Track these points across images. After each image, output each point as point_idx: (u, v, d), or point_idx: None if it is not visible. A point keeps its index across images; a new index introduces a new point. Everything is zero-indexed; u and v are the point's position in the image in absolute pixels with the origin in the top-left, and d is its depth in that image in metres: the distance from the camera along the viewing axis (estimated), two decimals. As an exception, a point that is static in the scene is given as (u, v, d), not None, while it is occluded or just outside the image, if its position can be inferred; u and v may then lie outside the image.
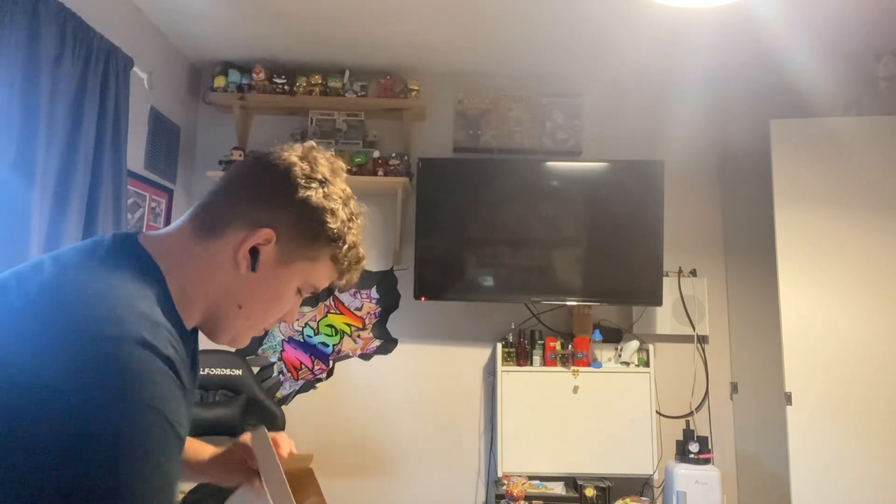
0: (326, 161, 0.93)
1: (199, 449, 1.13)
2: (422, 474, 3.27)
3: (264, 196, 0.89)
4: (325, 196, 0.90)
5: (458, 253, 3.20)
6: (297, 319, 3.37)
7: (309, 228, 0.89)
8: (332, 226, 0.90)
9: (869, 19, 2.73)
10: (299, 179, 0.89)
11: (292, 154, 0.91)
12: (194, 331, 0.91)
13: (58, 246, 2.07)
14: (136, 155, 2.79)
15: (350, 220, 0.93)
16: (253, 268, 0.87)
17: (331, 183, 0.91)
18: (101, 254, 0.81)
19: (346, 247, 0.92)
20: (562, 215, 3.20)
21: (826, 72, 2.97)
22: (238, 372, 2.95)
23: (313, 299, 3.38)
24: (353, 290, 3.41)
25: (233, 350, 3.18)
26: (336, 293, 3.40)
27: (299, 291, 0.94)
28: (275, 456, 0.97)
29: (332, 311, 3.40)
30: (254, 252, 0.87)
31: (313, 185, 0.89)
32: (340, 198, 0.92)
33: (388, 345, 3.38)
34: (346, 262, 0.94)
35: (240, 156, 3.20)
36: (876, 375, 2.71)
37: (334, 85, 3.31)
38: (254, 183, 0.91)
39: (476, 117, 3.48)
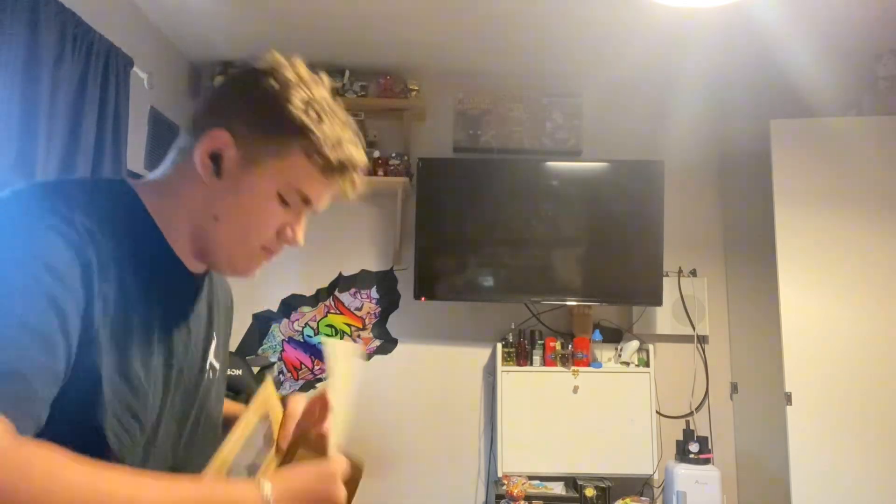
0: (306, 71, 0.86)
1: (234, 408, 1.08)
2: (422, 474, 3.27)
3: (220, 101, 0.88)
4: (283, 85, 0.82)
5: (458, 253, 3.20)
6: (298, 319, 3.37)
7: (266, 120, 0.82)
8: (292, 110, 0.81)
9: (869, 19, 2.73)
10: (249, 76, 0.84)
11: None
12: (203, 277, 0.92)
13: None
14: (136, 155, 2.79)
15: (321, 110, 0.83)
16: (217, 174, 0.83)
17: (302, 83, 0.83)
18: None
19: (318, 137, 0.82)
20: (562, 215, 3.20)
21: (826, 72, 2.97)
22: (238, 372, 2.95)
23: (313, 299, 3.38)
24: (353, 290, 3.41)
25: (232, 350, 3.19)
26: (336, 293, 3.40)
27: (283, 200, 0.84)
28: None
29: (332, 311, 3.40)
30: (217, 159, 0.83)
31: (269, 79, 0.82)
32: (308, 92, 0.83)
33: (388, 345, 3.38)
34: (324, 158, 0.83)
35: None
36: (876, 375, 2.70)
37: (334, 85, 3.30)
38: (214, 94, 0.90)
39: (476, 117, 3.48)
